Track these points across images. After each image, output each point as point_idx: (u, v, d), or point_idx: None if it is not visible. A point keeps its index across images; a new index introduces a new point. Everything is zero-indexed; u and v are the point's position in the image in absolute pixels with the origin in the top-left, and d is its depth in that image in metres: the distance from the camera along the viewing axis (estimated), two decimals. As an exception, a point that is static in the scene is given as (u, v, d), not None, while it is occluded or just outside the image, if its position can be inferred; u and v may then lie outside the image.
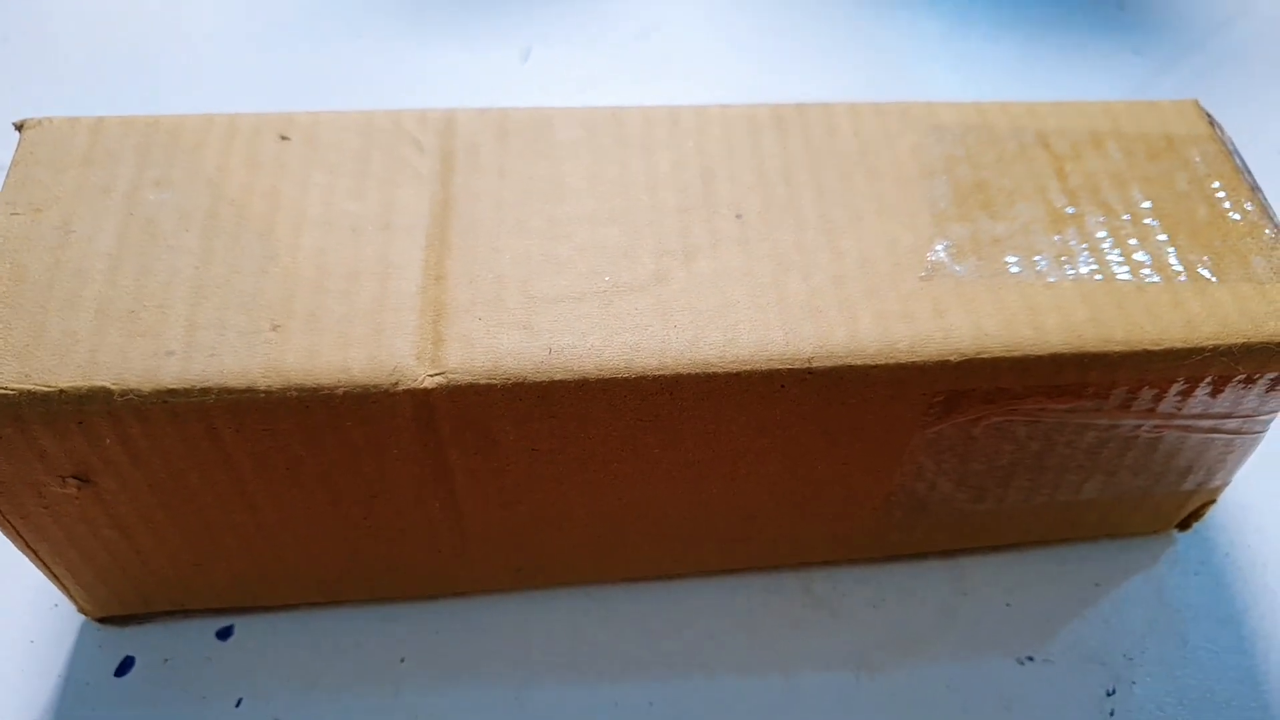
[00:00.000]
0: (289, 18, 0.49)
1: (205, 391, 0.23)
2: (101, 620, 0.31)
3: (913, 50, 0.50)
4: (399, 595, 0.31)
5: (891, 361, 0.24)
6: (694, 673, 0.30)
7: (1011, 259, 0.26)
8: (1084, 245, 0.27)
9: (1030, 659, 0.30)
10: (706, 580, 0.32)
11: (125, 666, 0.30)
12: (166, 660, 0.30)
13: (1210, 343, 0.25)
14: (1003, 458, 0.28)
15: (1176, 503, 0.31)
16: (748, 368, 0.24)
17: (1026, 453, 0.28)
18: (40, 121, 0.28)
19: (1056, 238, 0.27)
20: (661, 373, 0.24)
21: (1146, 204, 0.28)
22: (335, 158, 0.27)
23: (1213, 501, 0.32)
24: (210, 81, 0.46)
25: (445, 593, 0.31)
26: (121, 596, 0.30)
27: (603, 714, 0.29)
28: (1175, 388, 0.26)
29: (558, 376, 0.24)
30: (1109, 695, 0.29)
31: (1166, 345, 0.25)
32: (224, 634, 0.31)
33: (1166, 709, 0.29)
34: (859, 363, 0.24)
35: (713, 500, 0.28)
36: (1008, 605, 0.31)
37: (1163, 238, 0.27)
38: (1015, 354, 0.25)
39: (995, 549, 0.32)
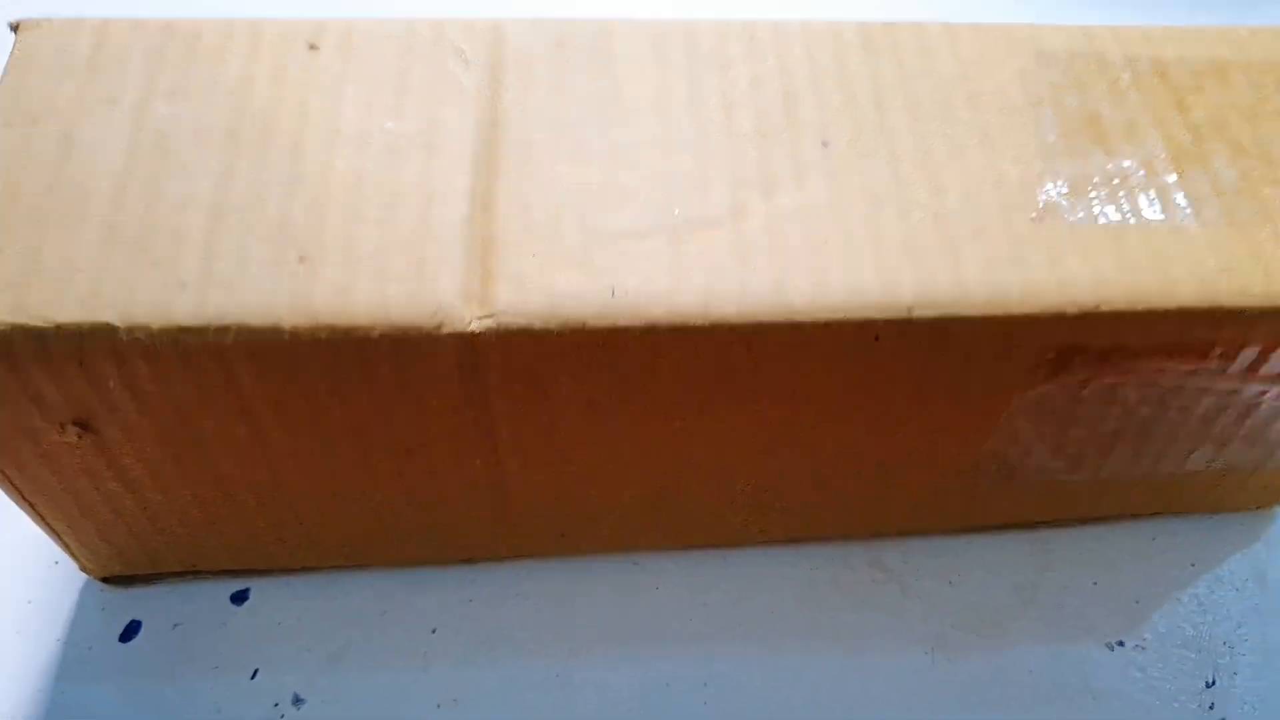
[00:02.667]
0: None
1: (222, 330, 0.21)
2: (106, 580, 0.28)
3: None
4: (431, 559, 0.29)
5: (1002, 312, 0.21)
6: (752, 650, 0.27)
7: (1131, 200, 0.23)
8: (1211, 187, 0.24)
9: (1120, 644, 0.28)
10: (765, 550, 0.29)
11: (131, 631, 0.27)
12: (176, 625, 0.28)
13: (1362, 298, 0.22)
14: (1108, 423, 0.25)
15: (1286, 478, 0.29)
16: (839, 316, 0.21)
17: (1135, 419, 0.25)
18: (39, 22, 0.24)
19: (1179, 178, 0.24)
20: (740, 321, 0.21)
21: (1281, 142, 0.25)
22: (371, 70, 0.24)
23: (1326, 477, 0.29)
24: None
25: (482, 557, 0.29)
26: (127, 555, 0.27)
27: (654, 693, 0.27)
28: (1318, 348, 0.23)
29: (621, 322, 0.21)
30: (1208, 686, 0.27)
31: (1314, 300, 0.22)
32: (239, 598, 0.28)
33: (1270, 701, 0.27)
34: (965, 313, 0.21)
35: (784, 465, 0.25)
36: (1095, 584, 0.29)
37: (1302, 180, 0.24)
38: (1140, 307, 0.22)
39: (1082, 522, 0.30)
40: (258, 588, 0.28)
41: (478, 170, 0.23)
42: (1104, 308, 0.22)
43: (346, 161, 0.23)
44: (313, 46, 0.24)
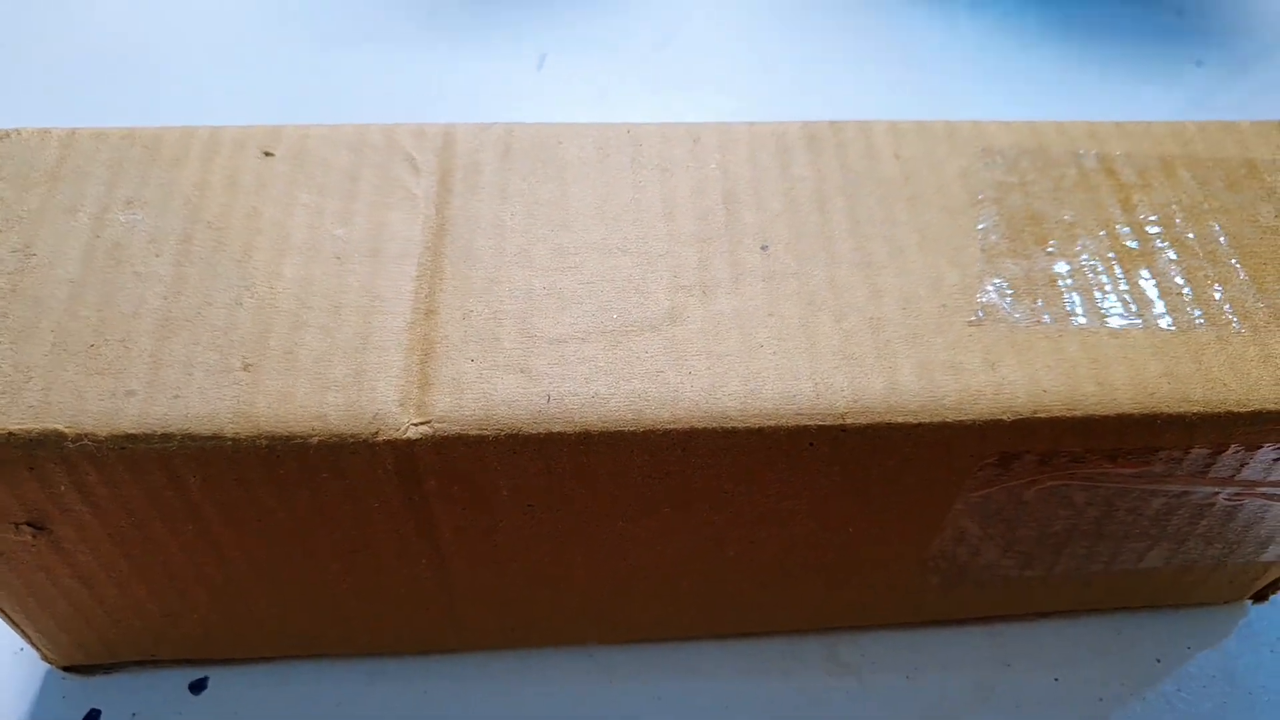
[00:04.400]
0: (290, 21, 0.47)
1: (167, 437, 0.21)
2: (67, 669, 0.29)
3: (950, 60, 0.47)
4: (386, 650, 0.29)
5: (936, 420, 0.21)
6: (706, 747, 0.27)
7: (1072, 302, 0.23)
8: (1155, 287, 0.24)
9: (1082, 744, 0.27)
10: (719, 643, 0.29)
11: (91, 719, 0.28)
12: (135, 714, 0.28)
13: (1304, 404, 0.22)
14: (1056, 524, 0.25)
15: (1253, 573, 0.28)
16: (772, 423, 0.21)
17: (1084, 519, 0.25)
18: (9, 133, 0.25)
19: (1123, 278, 0.24)
20: (674, 426, 0.21)
21: (1226, 240, 0.25)
22: (323, 176, 0.25)
23: (1293, 573, 0.29)
24: (202, 90, 0.44)
25: (434, 649, 0.29)
26: (86, 646, 0.27)
27: (604, 791, 0.27)
28: (1262, 453, 0.23)
29: (556, 428, 0.21)
30: (1172, 790, 0.26)
31: (1253, 407, 0.22)
32: (197, 687, 0.28)
33: (1237, 807, 0.26)
34: (899, 420, 0.21)
35: (729, 564, 0.25)
36: (1055, 680, 0.28)
37: (1246, 279, 0.24)
38: (1077, 414, 0.22)
39: (1043, 616, 0.29)
40: (216, 677, 0.28)
41: (422, 276, 0.23)
42: (1041, 415, 0.22)
43: (294, 268, 0.23)
44: (267, 153, 0.25)
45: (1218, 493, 0.24)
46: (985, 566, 0.26)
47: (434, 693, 0.28)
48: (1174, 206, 0.25)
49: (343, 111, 0.42)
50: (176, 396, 0.21)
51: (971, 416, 0.22)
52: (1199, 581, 0.28)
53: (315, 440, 0.21)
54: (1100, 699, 0.28)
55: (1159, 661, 0.28)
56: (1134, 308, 0.23)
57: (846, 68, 0.46)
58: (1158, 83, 0.45)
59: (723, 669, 0.28)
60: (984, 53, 0.47)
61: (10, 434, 0.21)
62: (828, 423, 0.21)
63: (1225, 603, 0.30)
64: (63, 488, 0.22)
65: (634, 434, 0.21)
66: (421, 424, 0.21)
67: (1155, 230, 0.25)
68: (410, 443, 0.21)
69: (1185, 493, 0.24)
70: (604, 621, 0.28)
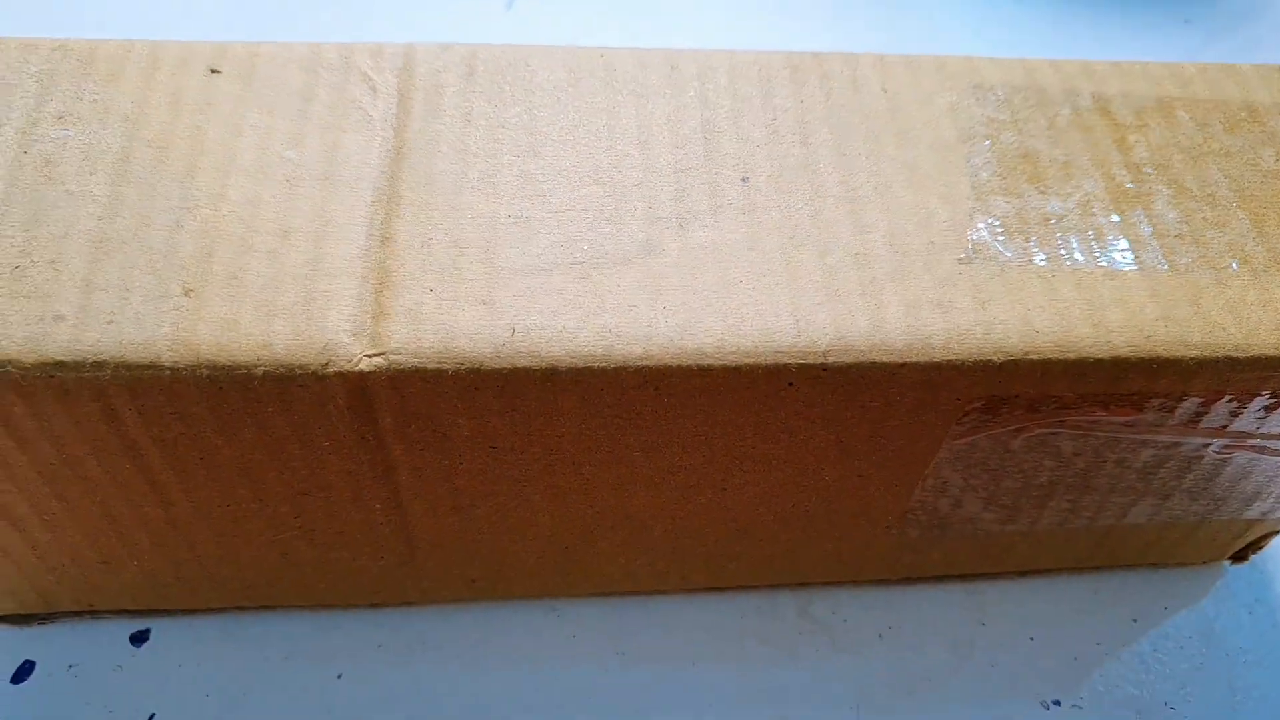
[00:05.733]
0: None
1: (99, 365, 0.19)
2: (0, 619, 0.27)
3: (934, 9, 0.45)
4: (337, 602, 0.27)
5: (923, 359, 0.20)
6: (671, 704, 0.26)
7: (1067, 242, 0.22)
8: (1152, 229, 0.23)
9: (1056, 704, 0.26)
10: (688, 597, 0.28)
11: (24, 672, 0.26)
12: (71, 667, 0.26)
13: (1303, 350, 0.21)
14: (1042, 475, 0.24)
15: (1234, 531, 0.27)
16: (750, 361, 0.20)
17: (1070, 470, 0.24)
18: (-72, 39, 0.23)
19: (1119, 220, 0.23)
20: (646, 363, 0.20)
21: (1226, 183, 0.24)
22: (273, 96, 0.23)
23: (1276, 531, 0.28)
24: (143, 3, 0.41)
25: (390, 601, 0.27)
26: (19, 594, 0.26)
27: (567, 749, 0.25)
28: (1258, 402, 0.22)
29: (521, 363, 0.20)
30: (1148, 749, 0.26)
31: (1253, 352, 0.21)
32: (138, 639, 0.27)
33: (1213, 767, 0.26)
34: (884, 359, 0.20)
35: (701, 512, 0.24)
36: (1032, 639, 0.27)
37: (1246, 222, 0.23)
38: (1071, 356, 0.21)
39: (1020, 574, 0.29)
40: (158, 628, 0.27)
41: (378, 201, 0.22)
42: (1033, 356, 0.21)
43: (241, 191, 0.22)
44: (214, 70, 0.23)
45: (1208, 444, 0.23)
46: (966, 520, 0.25)
47: (388, 647, 0.27)
48: (1171, 148, 0.24)
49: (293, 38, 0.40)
50: (110, 322, 0.20)
51: (960, 356, 0.20)
52: (1180, 540, 0.28)
53: (261, 371, 0.20)
54: (1076, 658, 0.27)
55: (1135, 621, 0.28)
56: (1130, 249, 0.22)
57: (831, 9, 0.45)
58: (1146, 40, 0.44)
59: (690, 624, 0.27)
60: (971, 5, 0.45)
61: (-75, 359, 0.19)
62: (809, 361, 0.20)
63: (1204, 563, 0.29)
64: (-14, 420, 0.20)
65: (604, 370, 0.20)
66: (375, 355, 0.20)
67: (1152, 172, 0.24)
68: (363, 375, 0.20)
69: (1176, 444, 0.23)
70: (568, 573, 0.27)
